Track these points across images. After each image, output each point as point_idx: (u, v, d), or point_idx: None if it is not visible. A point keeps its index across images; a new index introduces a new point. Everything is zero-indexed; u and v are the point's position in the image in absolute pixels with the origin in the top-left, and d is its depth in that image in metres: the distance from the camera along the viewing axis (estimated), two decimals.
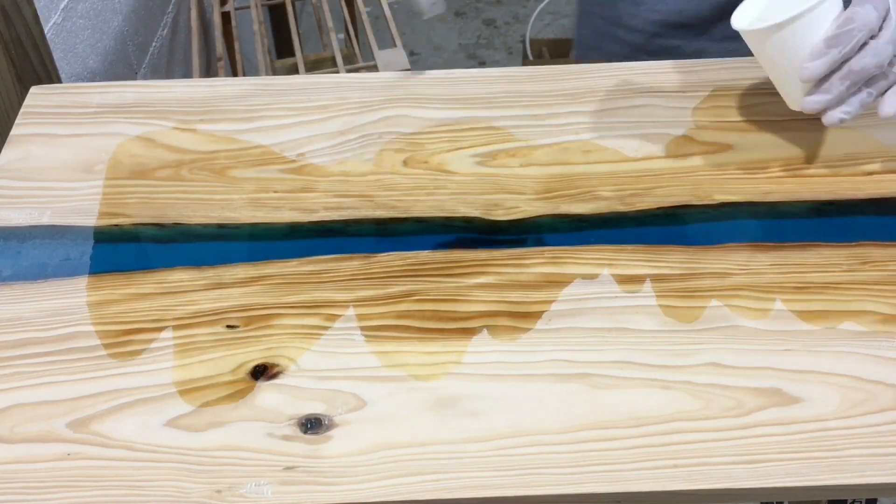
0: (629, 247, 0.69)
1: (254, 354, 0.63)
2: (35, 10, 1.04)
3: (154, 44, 1.58)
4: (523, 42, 2.36)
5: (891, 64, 0.69)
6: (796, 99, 0.72)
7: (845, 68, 0.68)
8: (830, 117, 0.69)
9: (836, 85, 0.68)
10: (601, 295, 0.66)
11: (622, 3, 0.98)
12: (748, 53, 0.73)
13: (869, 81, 0.69)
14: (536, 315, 0.64)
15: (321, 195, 0.73)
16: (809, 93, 0.70)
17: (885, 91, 0.70)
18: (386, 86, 0.83)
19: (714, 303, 0.65)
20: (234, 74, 1.67)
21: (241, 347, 0.63)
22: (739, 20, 0.72)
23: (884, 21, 0.67)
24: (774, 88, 0.74)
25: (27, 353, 0.63)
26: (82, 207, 0.72)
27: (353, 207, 0.72)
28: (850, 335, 0.63)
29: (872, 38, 0.67)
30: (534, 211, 0.71)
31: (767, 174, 0.74)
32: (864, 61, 0.67)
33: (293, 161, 0.76)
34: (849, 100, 0.69)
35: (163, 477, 0.56)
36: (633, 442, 0.57)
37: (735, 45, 0.76)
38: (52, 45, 1.10)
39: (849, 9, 0.68)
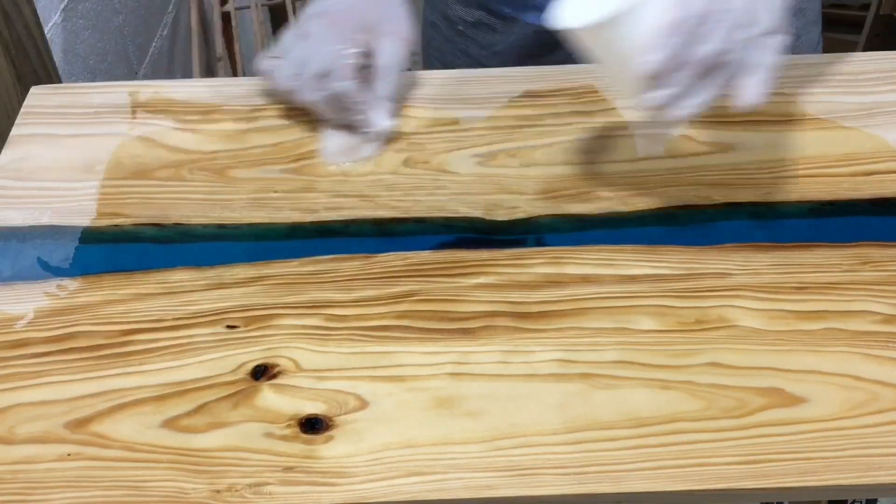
0: (629, 247, 0.69)
1: (254, 355, 0.63)
2: (35, 10, 1.05)
3: (154, 44, 1.58)
4: None
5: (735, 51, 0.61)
6: (635, 97, 0.63)
7: (688, 57, 0.60)
8: (675, 113, 0.62)
9: (680, 77, 0.60)
10: (601, 295, 0.66)
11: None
12: None
13: (714, 70, 0.61)
14: (536, 315, 0.64)
15: (321, 195, 0.73)
16: (649, 88, 0.61)
17: (736, 79, 0.62)
18: None
19: (714, 303, 0.65)
20: (234, 74, 1.67)
21: (241, 347, 0.63)
22: (566, 19, 0.63)
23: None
24: (775, 88, 0.74)
25: (27, 353, 0.63)
26: (82, 207, 0.72)
27: (354, 207, 0.72)
28: (851, 335, 0.63)
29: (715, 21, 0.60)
30: (534, 211, 0.71)
31: (767, 174, 0.74)
32: (708, 49, 0.60)
33: (293, 161, 0.76)
34: (695, 92, 0.62)
35: (162, 477, 0.56)
36: (634, 442, 0.57)
37: None
38: (52, 45, 1.10)
39: None
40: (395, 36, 0.75)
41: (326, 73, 0.72)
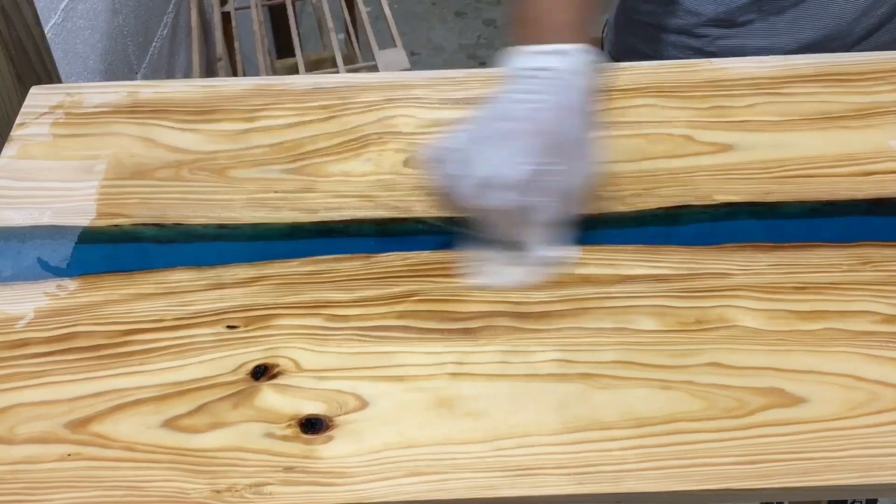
0: (629, 247, 0.69)
1: (254, 354, 0.63)
2: (35, 10, 1.04)
3: (154, 44, 1.58)
4: None
5: None
6: None
7: None
8: None
9: None
10: (601, 295, 0.66)
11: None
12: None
13: None
14: (536, 315, 0.64)
15: (322, 195, 0.73)
16: None
17: None
18: (386, 86, 0.83)
19: (714, 303, 0.65)
20: (234, 74, 1.67)
21: (241, 347, 0.63)
22: None
23: None
24: (775, 88, 0.74)
25: (27, 353, 0.63)
26: (82, 207, 0.72)
27: (354, 208, 0.72)
28: (851, 335, 0.63)
29: None
30: None
31: (767, 174, 0.74)
32: None
33: (294, 161, 0.76)
34: None
35: (162, 477, 0.56)
36: (634, 442, 0.57)
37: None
38: (52, 45, 1.10)
39: None
40: (580, 160, 0.67)
41: (502, 183, 0.63)
